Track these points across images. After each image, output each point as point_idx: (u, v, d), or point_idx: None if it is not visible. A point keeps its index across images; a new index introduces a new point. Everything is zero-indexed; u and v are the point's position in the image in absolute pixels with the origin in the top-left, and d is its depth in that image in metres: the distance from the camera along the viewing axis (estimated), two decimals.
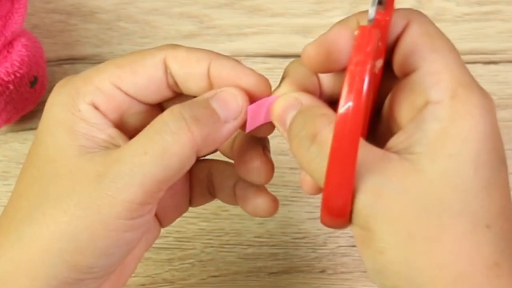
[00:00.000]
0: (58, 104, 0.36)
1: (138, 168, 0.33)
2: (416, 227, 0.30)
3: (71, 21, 0.61)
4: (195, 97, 0.37)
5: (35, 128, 0.58)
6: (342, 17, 0.61)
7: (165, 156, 0.33)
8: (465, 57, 0.60)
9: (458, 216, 0.30)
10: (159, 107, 0.39)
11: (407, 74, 0.34)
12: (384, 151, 0.32)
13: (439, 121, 0.32)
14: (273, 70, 0.60)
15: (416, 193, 0.31)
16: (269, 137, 0.58)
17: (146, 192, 0.33)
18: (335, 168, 0.30)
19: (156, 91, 0.37)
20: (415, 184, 0.31)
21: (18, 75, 0.52)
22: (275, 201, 0.40)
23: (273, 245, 0.55)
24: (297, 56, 0.60)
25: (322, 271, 0.55)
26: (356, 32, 0.31)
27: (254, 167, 0.39)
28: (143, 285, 0.54)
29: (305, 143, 0.33)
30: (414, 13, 0.35)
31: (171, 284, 0.55)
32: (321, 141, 0.32)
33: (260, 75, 0.37)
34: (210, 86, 0.37)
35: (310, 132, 0.33)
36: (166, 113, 0.34)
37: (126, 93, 0.36)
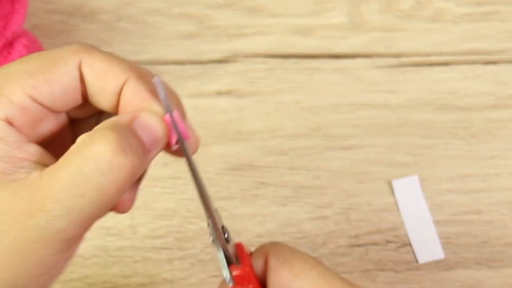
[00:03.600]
0: None
1: (76, 211, 0.31)
2: None
3: (72, 22, 0.61)
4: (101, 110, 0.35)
5: None
6: (342, 18, 0.61)
7: (104, 197, 0.31)
8: (464, 57, 0.60)
9: None
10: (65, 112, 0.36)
11: None
12: None
13: None
14: (273, 71, 0.60)
15: None
16: (268, 137, 0.58)
17: (85, 228, 0.32)
18: None
19: (71, 101, 0.34)
20: None
21: None
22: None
23: None
24: (297, 56, 0.61)
25: None
26: None
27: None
28: (144, 284, 0.54)
29: None
30: (267, 247, 0.37)
31: (171, 284, 0.55)
32: None
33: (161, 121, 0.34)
34: (118, 103, 0.34)
35: None
36: (100, 142, 0.31)
37: (41, 104, 0.33)
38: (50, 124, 0.35)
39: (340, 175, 0.57)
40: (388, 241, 0.56)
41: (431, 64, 0.60)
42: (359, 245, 0.56)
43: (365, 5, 0.62)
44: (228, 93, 0.59)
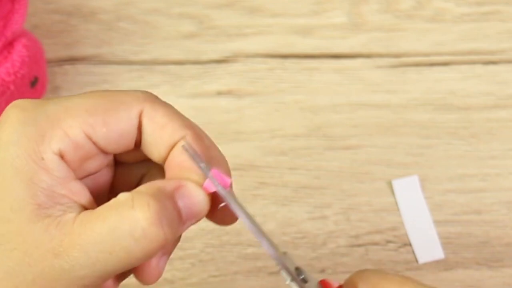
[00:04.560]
0: (14, 144, 0.32)
1: (101, 265, 0.32)
2: None
3: (72, 22, 0.61)
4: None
5: None
6: (342, 18, 0.61)
7: (130, 260, 0.32)
8: (464, 58, 0.60)
9: None
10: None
11: None
12: None
13: None
14: (273, 71, 0.60)
15: None
16: (268, 137, 0.58)
17: (103, 280, 0.33)
18: None
19: (124, 145, 0.35)
20: None
21: (19, 75, 0.52)
22: None
23: None
24: (297, 56, 0.61)
25: (322, 271, 0.55)
26: None
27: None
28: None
29: None
30: (354, 277, 0.37)
31: (171, 284, 0.55)
32: None
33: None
34: (168, 156, 0.35)
35: None
36: (140, 208, 0.31)
37: (95, 144, 0.34)
38: (97, 163, 0.35)
39: (340, 175, 0.57)
40: (388, 241, 0.56)
41: (431, 64, 0.60)
42: (359, 245, 0.56)
43: (365, 5, 0.62)
44: (228, 93, 0.59)
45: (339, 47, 0.61)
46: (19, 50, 0.53)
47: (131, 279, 0.57)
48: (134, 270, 0.35)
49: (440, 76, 0.60)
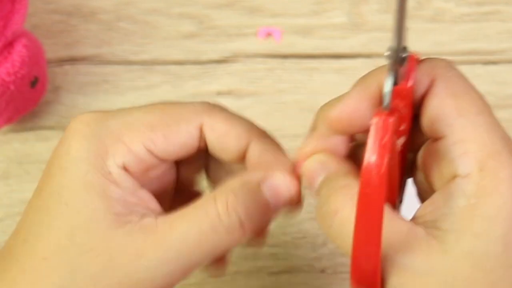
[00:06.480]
0: (83, 160, 0.34)
1: (185, 258, 0.33)
2: None
3: (72, 22, 0.61)
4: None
5: (35, 128, 0.58)
6: (342, 18, 0.62)
7: (214, 252, 0.34)
8: (464, 58, 0.60)
9: None
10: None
11: (435, 138, 0.33)
12: (411, 224, 0.32)
13: (467, 197, 0.30)
14: (273, 71, 0.60)
15: (442, 274, 0.30)
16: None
17: (187, 274, 0.35)
18: (360, 241, 0.30)
19: (185, 154, 0.37)
20: (440, 265, 0.30)
21: (19, 75, 0.52)
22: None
23: (273, 245, 0.55)
24: (297, 56, 0.61)
25: (322, 271, 0.55)
26: (372, 121, 0.30)
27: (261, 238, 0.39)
28: None
29: (327, 220, 0.33)
30: (439, 68, 0.33)
31: None
32: (342, 220, 0.32)
33: (292, 174, 0.36)
34: (242, 160, 0.36)
35: (331, 209, 0.32)
36: (221, 206, 0.33)
37: (156, 156, 0.35)
38: (160, 170, 0.37)
39: None
40: None
41: None
42: None
43: (365, 5, 0.62)
44: (228, 93, 0.59)
45: (339, 47, 0.61)
46: (19, 50, 0.53)
47: None
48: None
49: None
